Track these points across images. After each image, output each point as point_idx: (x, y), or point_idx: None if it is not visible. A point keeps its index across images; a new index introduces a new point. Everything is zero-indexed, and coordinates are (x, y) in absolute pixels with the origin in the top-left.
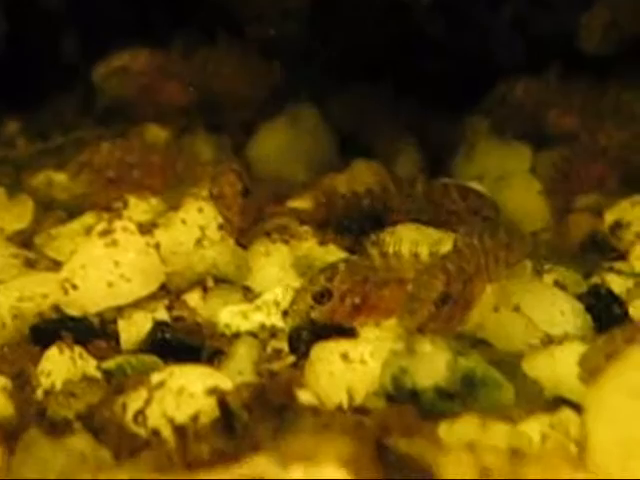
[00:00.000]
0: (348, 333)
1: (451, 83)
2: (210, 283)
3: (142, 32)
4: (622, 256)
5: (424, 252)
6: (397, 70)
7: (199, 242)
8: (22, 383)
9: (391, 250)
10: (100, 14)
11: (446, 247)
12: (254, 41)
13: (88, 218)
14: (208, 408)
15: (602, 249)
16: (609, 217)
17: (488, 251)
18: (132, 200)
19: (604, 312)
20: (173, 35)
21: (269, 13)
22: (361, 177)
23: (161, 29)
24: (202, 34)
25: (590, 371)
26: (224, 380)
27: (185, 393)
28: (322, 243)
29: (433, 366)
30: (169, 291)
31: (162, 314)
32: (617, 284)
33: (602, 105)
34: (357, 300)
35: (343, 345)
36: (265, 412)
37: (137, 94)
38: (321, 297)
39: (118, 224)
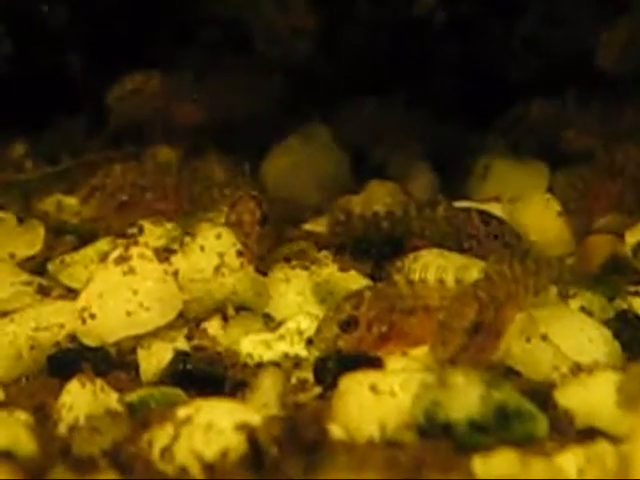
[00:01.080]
0: (375, 363)
1: (465, 102)
2: (231, 311)
3: (149, 50)
4: None
5: (450, 279)
6: (410, 88)
7: (218, 269)
8: (42, 417)
9: (417, 277)
10: (104, 33)
11: (472, 273)
12: (263, 58)
13: (102, 244)
14: (237, 444)
15: (624, 271)
16: (630, 238)
17: (518, 278)
18: (147, 225)
19: (633, 338)
20: (181, 53)
21: (278, 30)
22: (377, 198)
23: (168, 46)
24: (210, 52)
25: (628, 398)
26: (252, 415)
27: (214, 429)
28: (343, 269)
29: (466, 399)
30: (187, 320)
31: (182, 344)
32: None
33: (620, 124)
34: (384, 328)
35: (371, 376)
36: (296, 447)
37: (150, 117)
38: (347, 325)
39: (134, 251)
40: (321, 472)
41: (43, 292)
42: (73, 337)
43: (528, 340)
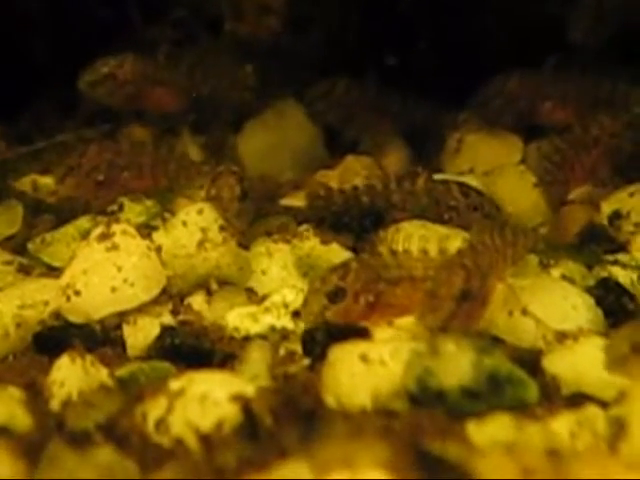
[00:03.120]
0: (362, 333)
1: (439, 77)
2: (214, 286)
3: (119, 30)
4: (622, 247)
5: (433, 249)
6: (382, 64)
7: (201, 244)
8: (34, 394)
9: (400, 247)
10: (74, 13)
11: (454, 244)
12: (233, 38)
13: (82, 222)
14: (232, 415)
15: (600, 240)
16: (606, 208)
17: (498, 248)
18: (126, 202)
19: (615, 304)
20: (151, 32)
21: (248, 8)
22: (353, 172)
23: (138, 27)
24: (179, 31)
25: (617, 360)
26: (246, 385)
27: (208, 400)
28: (324, 242)
29: (458, 366)
30: (171, 295)
31: (168, 319)
32: (621, 276)
33: (597, 96)
34: (371, 298)
35: (361, 346)
36: (291, 417)
37: (124, 102)
38: (335, 296)
39: (117, 227)
40: (317, 441)
41: (25, 271)
42: (57, 314)
43: (510, 314)
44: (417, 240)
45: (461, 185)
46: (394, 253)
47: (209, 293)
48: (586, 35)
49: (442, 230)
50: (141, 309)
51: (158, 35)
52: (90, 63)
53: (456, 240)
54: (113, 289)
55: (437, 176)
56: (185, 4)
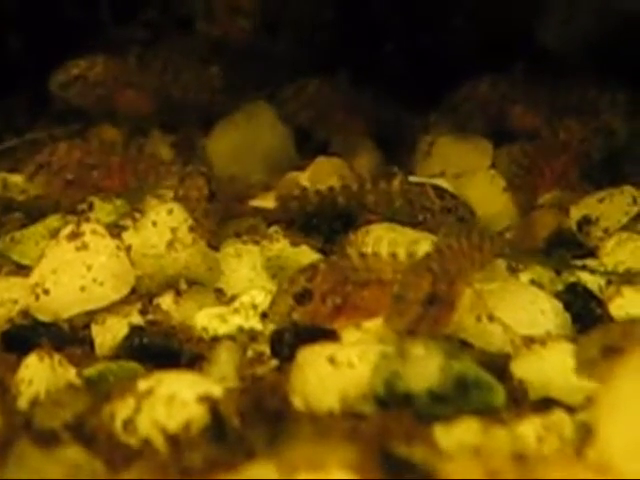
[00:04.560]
0: (330, 336)
1: (409, 80)
2: (183, 286)
3: (89, 29)
4: (591, 252)
5: (402, 253)
6: (353, 66)
7: (171, 244)
8: (1, 392)
9: (370, 250)
10: (45, 12)
11: (422, 247)
12: (204, 38)
13: (52, 221)
14: (199, 415)
15: (569, 245)
16: (575, 213)
17: (465, 253)
18: (96, 202)
19: (583, 310)
20: (122, 33)
21: (218, 9)
22: (324, 174)
23: (108, 26)
24: (150, 32)
25: (585, 364)
26: (214, 386)
27: (176, 401)
28: (294, 244)
29: (426, 369)
30: (140, 295)
31: (136, 318)
32: (589, 281)
33: (567, 102)
34: (338, 301)
35: (329, 348)
36: (258, 419)
37: (95, 103)
38: (302, 298)
39: (87, 227)
40: (284, 443)
41: None
42: (26, 313)
43: (479, 319)
44: (386, 243)
45: (436, 188)
46: (363, 256)
47: (178, 293)
48: (555, 40)
49: (411, 234)
50: (110, 309)
51: (129, 35)
52: (60, 62)
53: (425, 244)
54: (82, 288)
55: (411, 178)
56: (156, 4)
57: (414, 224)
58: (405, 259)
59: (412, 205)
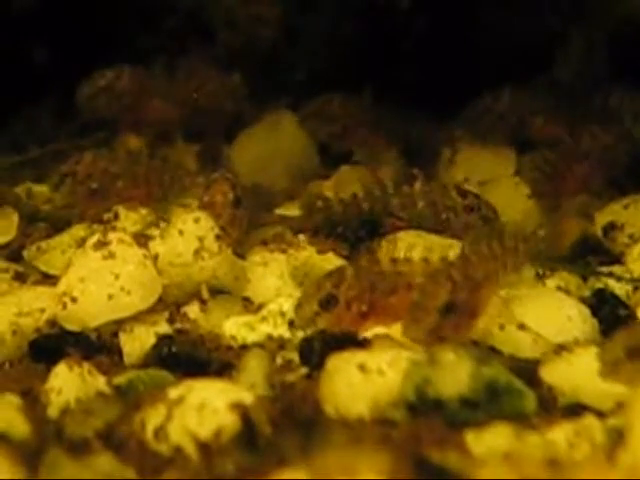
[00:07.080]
0: (360, 343)
1: (432, 91)
2: (205, 294)
3: (115, 40)
4: (617, 259)
5: (434, 258)
6: (376, 78)
7: (197, 253)
8: (31, 401)
9: (402, 255)
10: (71, 23)
11: (455, 253)
12: (226, 48)
13: (77, 230)
14: (231, 423)
15: (595, 252)
16: (601, 219)
17: (496, 257)
18: (122, 211)
19: (610, 315)
20: (147, 42)
21: (240, 19)
22: (348, 182)
23: (132, 37)
24: (174, 42)
25: (610, 366)
26: (245, 394)
27: (207, 408)
28: (321, 252)
29: (457, 375)
30: (167, 304)
31: (164, 327)
32: (616, 288)
33: (588, 110)
34: (364, 307)
35: (359, 355)
36: (290, 426)
37: (121, 113)
38: (327, 303)
39: (113, 236)
40: (316, 450)
41: (20, 278)
42: (54, 322)
43: (502, 327)
44: (420, 248)
45: (458, 187)
46: (395, 261)
47: (203, 302)
48: (573, 76)
49: (443, 240)
50: (137, 317)
51: (154, 45)
52: (87, 73)
53: (457, 249)
54: (110, 297)
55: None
56: (180, 15)
57: (438, 225)
58: (438, 264)
59: (435, 205)
